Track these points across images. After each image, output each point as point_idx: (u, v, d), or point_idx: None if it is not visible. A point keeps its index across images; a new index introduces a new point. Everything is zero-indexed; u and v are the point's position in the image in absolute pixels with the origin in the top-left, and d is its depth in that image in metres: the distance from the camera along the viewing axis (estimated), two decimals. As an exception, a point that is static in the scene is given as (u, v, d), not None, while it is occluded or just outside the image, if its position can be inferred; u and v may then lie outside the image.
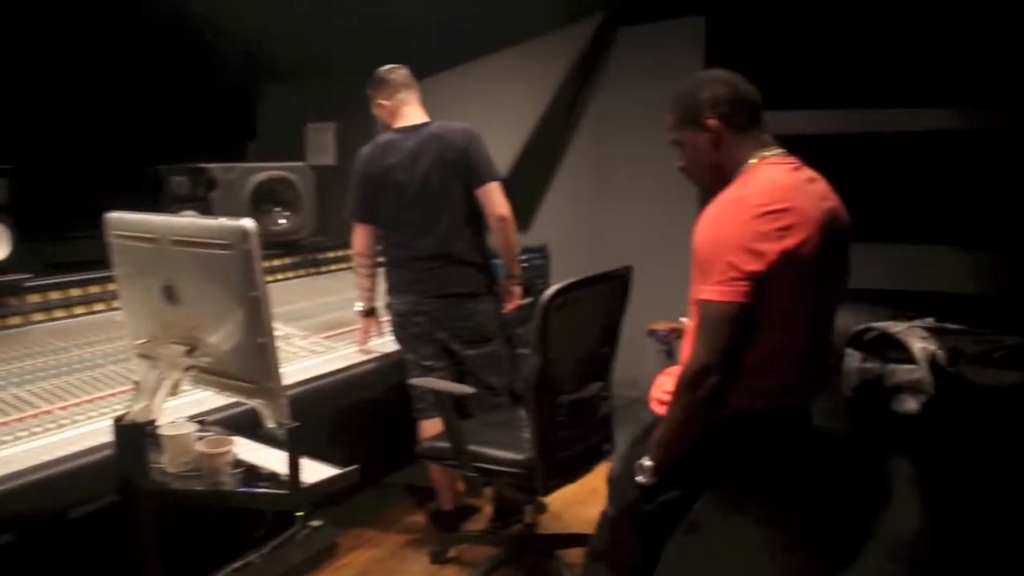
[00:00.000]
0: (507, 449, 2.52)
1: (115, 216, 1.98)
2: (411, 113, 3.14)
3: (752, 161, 1.75)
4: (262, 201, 3.86)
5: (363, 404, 3.17)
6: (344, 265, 4.18)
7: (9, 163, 2.89)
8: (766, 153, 1.75)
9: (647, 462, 1.71)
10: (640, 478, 1.72)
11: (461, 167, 3.02)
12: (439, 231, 3.05)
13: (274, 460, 1.92)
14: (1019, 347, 1.90)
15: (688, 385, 1.63)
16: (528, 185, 4.95)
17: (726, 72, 1.85)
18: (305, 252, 4.02)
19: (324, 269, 4.12)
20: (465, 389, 2.58)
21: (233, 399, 2.00)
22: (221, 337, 1.77)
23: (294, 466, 1.74)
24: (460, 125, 3.09)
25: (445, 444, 2.57)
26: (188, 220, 1.76)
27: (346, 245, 4.10)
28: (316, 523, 3.09)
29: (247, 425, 2.13)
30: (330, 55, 4.86)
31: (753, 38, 4.22)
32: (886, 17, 3.71)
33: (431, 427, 2.97)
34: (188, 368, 1.85)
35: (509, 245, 3.09)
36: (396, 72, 3.17)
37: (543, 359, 2.33)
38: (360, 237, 3.17)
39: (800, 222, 1.62)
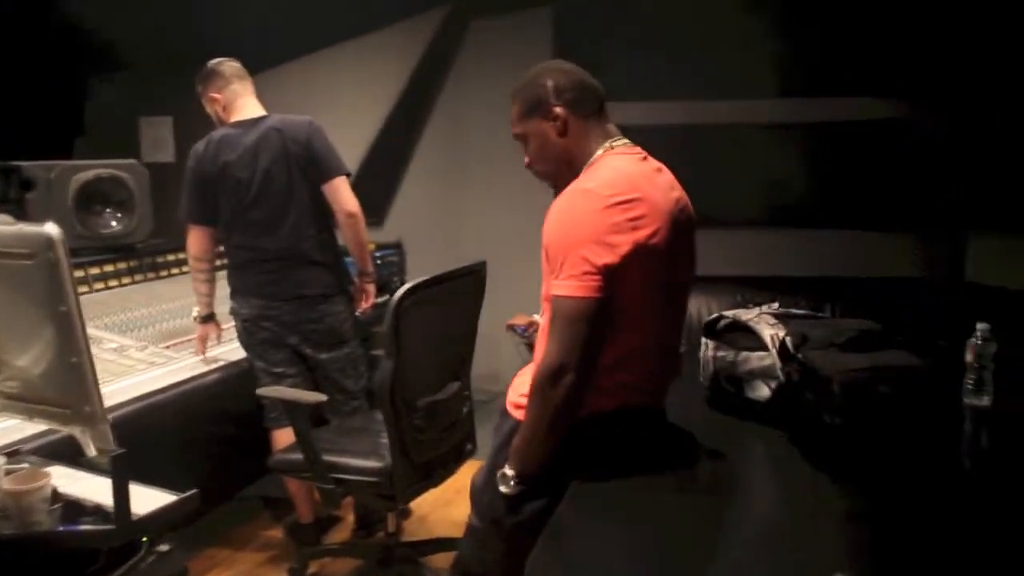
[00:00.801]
0: (365, 457, 2.40)
1: None
2: (246, 106, 2.96)
3: (599, 152, 1.71)
4: (91, 202, 3.56)
5: (210, 416, 2.97)
6: (186, 268, 3.92)
7: None
8: (612, 143, 1.72)
9: (509, 471, 1.64)
10: (503, 488, 1.65)
11: (305, 162, 2.86)
12: (285, 230, 2.88)
13: (100, 490, 1.74)
14: (865, 332, 1.96)
15: (544, 386, 1.57)
16: (380, 179, 4.82)
17: (566, 63, 1.81)
18: (141, 256, 3.73)
19: (164, 273, 3.84)
20: (316, 397, 2.45)
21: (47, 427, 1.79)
22: (29, 359, 1.58)
23: (121, 498, 1.57)
24: (302, 118, 2.93)
25: (298, 456, 2.43)
26: (-19, 228, 1.55)
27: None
28: (163, 547, 2.86)
29: (70, 452, 1.93)
30: (165, 46, 4.55)
31: (598, 30, 4.25)
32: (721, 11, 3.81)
33: (284, 437, 2.81)
34: (-8, 395, 1.64)
35: (360, 242, 2.97)
36: (226, 64, 2.99)
37: (397, 361, 2.23)
38: (196, 240, 2.95)
39: (650, 213, 1.59)
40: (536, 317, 4.22)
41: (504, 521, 1.71)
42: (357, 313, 3.05)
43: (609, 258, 1.54)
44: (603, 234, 1.55)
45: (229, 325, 3.07)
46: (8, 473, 1.71)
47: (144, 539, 2.80)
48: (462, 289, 2.51)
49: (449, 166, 4.84)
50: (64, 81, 4.80)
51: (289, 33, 4.48)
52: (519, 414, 1.71)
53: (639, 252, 1.56)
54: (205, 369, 2.91)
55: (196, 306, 3.01)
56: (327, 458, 2.40)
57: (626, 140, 1.75)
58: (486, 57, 4.69)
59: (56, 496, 1.67)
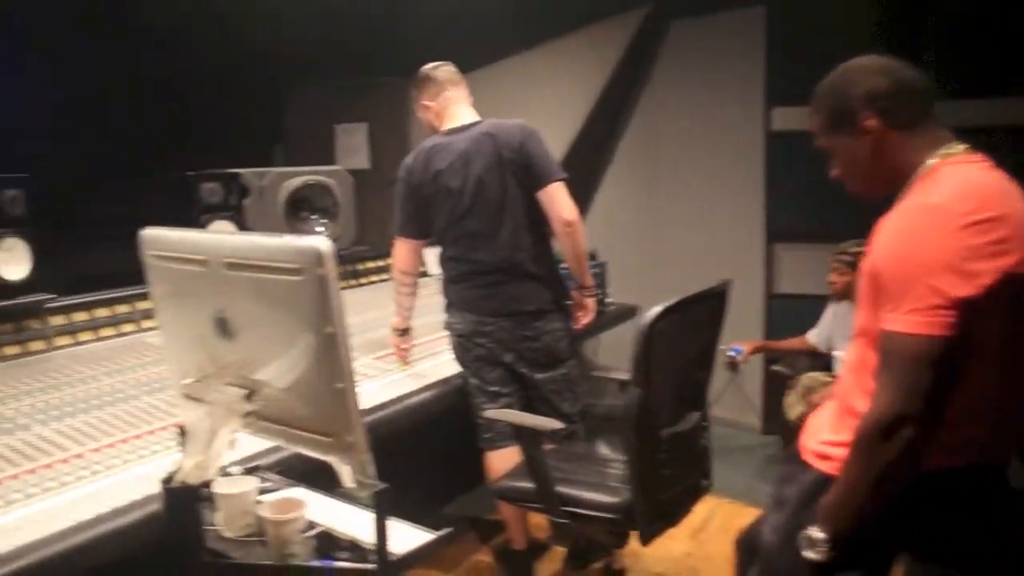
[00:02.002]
0: (599, 491, 2.21)
1: (152, 233, 1.68)
2: (459, 113, 2.83)
3: (932, 161, 1.43)
4: (297, 208, 3.57)
5: (418, 430, 2.87)
6: (384, 276, 3.89)
7: (26, 172, 2.61)
8: (949, 151, 1.43)
9: (817, 533, 1.39)
10: (809, 553, 1.40)
11: (519, 167, 2.70)
12: (500, 241, 2.73)
13: (348, 519, 1.63)
14: None
15: (873, 439, 1.31)
16: (576, 187, 4.65)
17: (880, 58, 1.52)
18: (344, 263, 3.71)
19: (364, 281, 3.82)
20: (550, 423, 2.27)
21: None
22: (289, 381, 1.47)
23: (382, 535, 1.44)
24: (514, 121, 2.77)
25: (528, 484, 2.26)
26: (246, 239, 1.46)
27: (388, 255, 3.82)
28: (371, 565, 2.79)
29: (307, 470, 1.84)
30: (360, 53, 4.57)
31: (819, 29, 3.90)
32: None
33: (501, 458, 2.67)
34: (247, 415, 1.55)
35: (578, 253, 2.78)
36: (441, 69, 2.86)
37: (645, 390, 2.02)
38: (403, 253, 2.86)
39: (1014, 235, 1.30)
40: (747, 343, 3.96)
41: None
42: (574, 330, 2.86)
43: (967, 290, 1.26)
44: (959, 260, 1.27)
45: (421, 341, 3.00)
46: (262, 492, 1.64)
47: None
48: (705, 312, 2.27)
49: (647, 175, 4.61)
50: (265, 90, 4.93)
51: (484, 38, 4.39)
52: (825, 465, 1.45)
53: (1005, 283, 1.27)
54: (417, 386, 2.79)
55: (395, 317, 2.92)
56: (560, 489, 2.21)
57: (965, 146, 1.45)
58: (689, 59, 4.44)
59: (308, 523, 1.57)
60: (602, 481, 2.27)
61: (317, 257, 1.35)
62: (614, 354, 3.95)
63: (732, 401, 4.39)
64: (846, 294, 3.49)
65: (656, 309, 2.01)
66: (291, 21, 4.22)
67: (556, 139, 4.47)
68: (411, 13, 4.28)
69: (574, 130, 4.48)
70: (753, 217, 4.27)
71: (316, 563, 1.50)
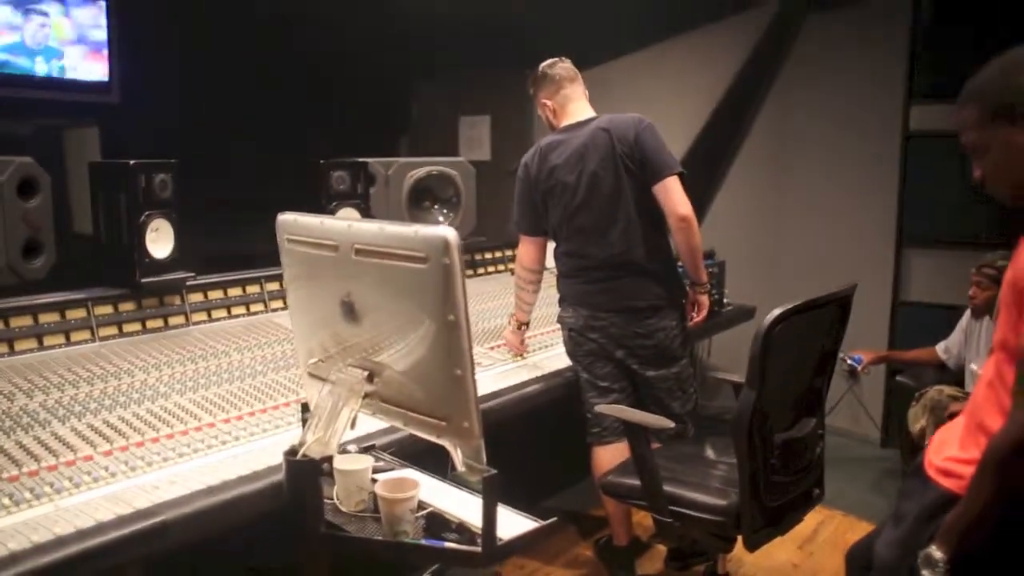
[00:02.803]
0: (707, 493, 2.19)
1: (288, 218, 1.78)
2: (576, 110, 2.84)
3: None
4: (420, 198, 3.67)
5: (525, 422, 2.91)
6: (502, 267, 3.95)
7: (173, 158, 2.79)
8: None
9: (937, 553, 1.34)
10: (927, 573, 1.35)
11: (634, 162, 2.69)
12: (613, 236, 2.73)
13: (459, 504, 1.68)
14: None
15: (1006, 459, 1.25)
16: (697, 186, 4.59)
17: None
18: (464, 253, 3.78)
19: (481, 271, 3.89)
20: (662, 422, 2.26)
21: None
22: (409, 365, 1.52)
23: (489, 520, 1.47)
24: (630, 115, 2.76)
25: (635, 481, 2.26)
26: (375, 226, 1.52)
27: (506, 245, 3.89)
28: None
29: (419, 453, 1.90)
30: (486, 46, 4.64)
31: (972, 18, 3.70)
32: None
33: (608, 454, 2.68)
34: (367, 395, 1.62)
35: (692, 248, 2.74)
36: (558, 66, 2.87)
37: (759, 393, 1.99)
38: (526, 250, 2.90)
39: None
40: (868, 352, 3.80)
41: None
42: (689, 327, 2.84)
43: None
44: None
45: (534, 334, 3.03)
46: (375, 471, 1.70)
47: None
48: (828, 316, 2.20)
49: (775, 175, 4.49)
50: (393, 82, 5.07)
51: (610, 32, 4.38)
52: (950, 483, 1.40)
53: None
54: (528, 377, 2.83)
55: (516, 311, 2.95)
56: (667, 488, 2.20)
57: None
58: (823, 55, 4.30)
59: (420, 504, 1.63)
60: (710, 483, 2.24)
61: (443, 246, 1.40)
62: (729, 356, 3.89)
63: (850, 410, 4.24)
64: (987, 310, 3.30)
65: (776, 311, 1.97)
66: (420, 13, 4.32)
67: (679, 136, 4.42)
68: (538, 7, 4.30)
69: (697, 127, 4.42)
70: (884, 220, 4.11)
71: (425, 542, 1.55)
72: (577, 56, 2.98)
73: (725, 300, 3.66)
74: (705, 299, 2.85)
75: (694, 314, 2.86)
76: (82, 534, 1.60)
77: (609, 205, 2.73)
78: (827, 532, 3.24)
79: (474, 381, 1.43)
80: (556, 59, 2.91)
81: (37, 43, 2.73)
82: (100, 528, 1.63)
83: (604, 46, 4.55)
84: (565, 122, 2.84)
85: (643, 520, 3.03)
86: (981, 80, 1.45)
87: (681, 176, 2.70)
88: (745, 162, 4.62)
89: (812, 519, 3.02)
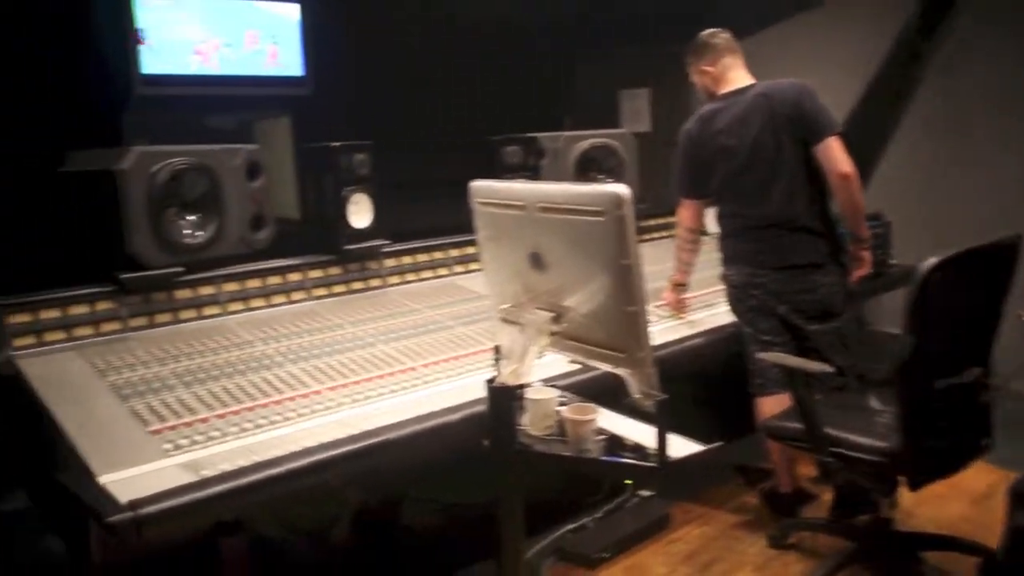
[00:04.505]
0: (868, 435, 2.29)
1: (480, 184, 2.05)
2: (736, 78, 2.97)
3: None
4: (586, 168, 3.88)
5: (690, 376, 3.09)
6: (664, 234, 4.11)
7: (369, 140, 3.14)
8: None
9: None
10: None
11: (795, 124, 2.80)
12: (776, 196, 2.85)
13: (632, 430, 1.89)
14: None
15: None
16: (861, 147, 4.54)
17: None
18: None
19: (645, 237, 4.07)
20: (820, 367, 2.38)
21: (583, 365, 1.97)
22: (589, 305, 1.76)
23: (662, 439, 1.69)
24: (789, 80, 2.87)
25: (797, 424, 2.41)
26: (558, 187, 1.76)
27: (666, 212, 4.04)
28: (646, 493, 3.07)
29: (591, 391, 2.13)
30: (643, 20, 4.78)
31: None
32: None
33: (770, 404, 2.81)
34: (553, 334, 1.87)
35: (854, 206, 2.82)
36: (719, 36, 3.01)
37: (917, 339, 2.08)
38: (687, 213, 3.08)
39: None
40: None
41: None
42: (851, 283, 2.92)
43: None
44: None
45: (696, 294, 3.19)
46: (560, 404, 1.95)
47: (628, 482, 3.04)
48: (992, 265, 2.25)
49: (943, 135, 4.38)
50: (558, 59, 5.29)
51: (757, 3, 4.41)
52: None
53: None
54: (691, 332, 3.01)
55: (675, 271, 3.13)
56: (829, 430, 2.33)
57: None
58: (1000, 12, 4.13)
59: (599, 430, 1.86)
60: (872, 428, 2.34)
61: (617, 201, 1.62)
62: (895, 316, 3.87)
63: (1033, 373, 4.10)
64: None
65: (933, 259, 2.06)
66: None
67: (838, 100, 4.39)
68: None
69: (858, 89, 4.38)
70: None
71: (606, 458, 1.78)
72: (731, 26, 3.09)
73: (891, 260, 3.66)
74: (867, 255, 2.91)
75: (855, 270, 2.92)
76: (322, 446, 1.96)
77: (770, 167, 2.85)
78: (1002, 492, 3.21)
79: (645, 316, 1.64)
80: (716, 29, 3.04)
81: (247, 46, 3.14)
82: (335, 443, 1.98)
83: (758, 14, 4.57)
84: (725, 90, 2.98)
85: (807, 471, 3.14)
86: None
87: (841, 136, 2.78)
88: (914, 123, 4.52)
89: (987, 478, 3.02)
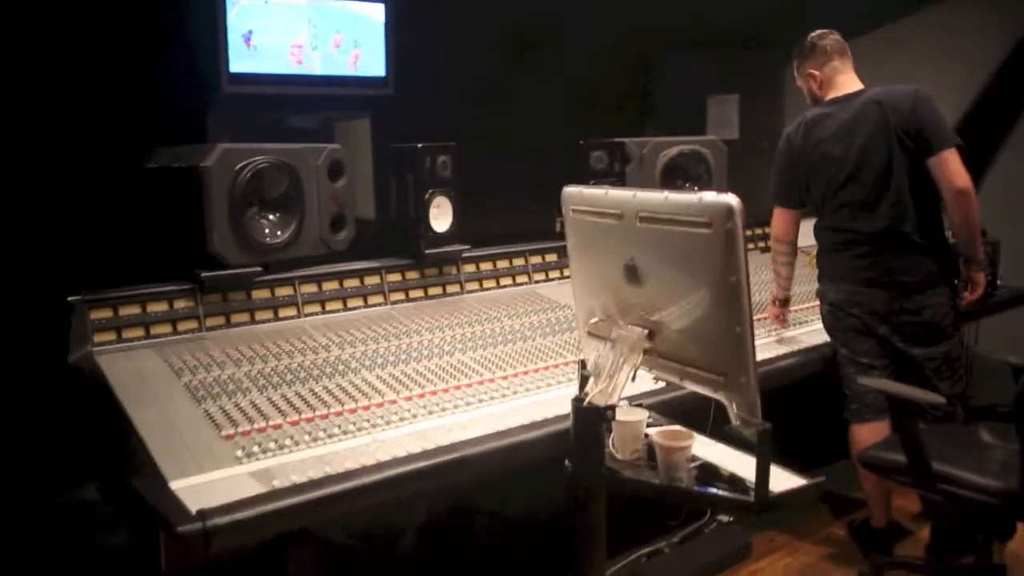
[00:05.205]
0: (982, 473, 2.11)
1: (573, 190, 1.95)
2: (845, 82, 2.80)
3: None
4: (672, 175, 3.74)
5: (781, 395, 2.92)
6: (753, 245, 3.95)
7: (452, 141, 3.07)
8: None
9: None
10: None
11: (908, 134, 2.61)
12: (883, 210, 2.67)
13: (727, 458, 1.77)
14: None
15: None
16: (968, 158, 4.30)
17: None
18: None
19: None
20: (934, 397, 2.21)
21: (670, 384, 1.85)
22: (688, 323, 1.64)
23: (763, 472, 1.56)
24: (905, 86, 2.68)
25: (899, 456, 2.23)
26: (660, 195, 1.65)
27: (755, 224, 3.88)
28: (726, 519, 2.92)
29: (676, 412, 2.01)
30: (733, 25, 4.61)
31: None
32: None
33: (867, 432, 2.64)
34: (647, 351, 1.75)
35: (970, 224, 2.63)
36: (828, 38, 2.84)
37: (1046, 371, 1.90)
38: (781, 221, 2.91)
39: None
40: None
41: None
42: (961, 306, 2.72)
43: None
44: None
45: (791, 309, 3.03)
46: (650, 426, 1.83)
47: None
48: None
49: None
50: (642, 62, 5.16)
51: (865, 2, 4.19)
52: None
53: None
54: (783, 351, 2.85)
55: (774, 288, 2.97)
56: (936, 465, 2.16)
57: None
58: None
59: (692, 457, 1.74)
60: (986, 464, 2.16)
61: (728, 212, 1.50)
62: (1000, 341, 3.63)
63: None
64: None
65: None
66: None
67: (948, 107, 4.15)
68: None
69: (969, 98, 4.13)
70: None
71: (699, 489, 1.66)
72: (843, 29, 2.92)
73: (999, 281, 3.43)
74: (980, 277, 2.71)
75: (967, 292, 2.73)
76: (396, 461, 1.88)
77: (879, 178, 2.67)
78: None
79: (753, 339, 1.51)
80: (826, 31, 2.87)
81: (332, 47, 3.11)
82: (410, 458, 1.90)
83: (861, 16, 4.36)
84: (832, 95, 2.81)
85: (903, 505, 2.95)
86: None
87: (960, 149, 2.59)
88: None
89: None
